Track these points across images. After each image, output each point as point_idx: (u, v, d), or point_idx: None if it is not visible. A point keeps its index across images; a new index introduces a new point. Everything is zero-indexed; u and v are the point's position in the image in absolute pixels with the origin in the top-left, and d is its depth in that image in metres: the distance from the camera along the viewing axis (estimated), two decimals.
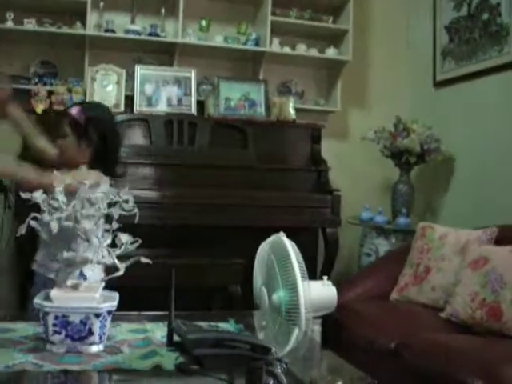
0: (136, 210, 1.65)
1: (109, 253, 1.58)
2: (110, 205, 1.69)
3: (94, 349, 1.67)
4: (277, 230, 2.65)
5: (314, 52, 4.81)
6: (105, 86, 4.20)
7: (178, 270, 1.93)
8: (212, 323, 2.01)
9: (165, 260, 2.82)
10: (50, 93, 4.09)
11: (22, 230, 1.65)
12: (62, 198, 1.61)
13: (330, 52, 4.82)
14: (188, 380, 1.56)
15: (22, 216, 3.46)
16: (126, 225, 1.70)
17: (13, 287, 4.19)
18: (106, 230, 1.63)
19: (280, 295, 2.46)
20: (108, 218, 1.70)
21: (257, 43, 4.63)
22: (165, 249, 3.22)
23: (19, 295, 3.81)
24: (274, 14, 4.59)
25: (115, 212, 1.60)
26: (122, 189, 1.65)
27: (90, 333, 1.64)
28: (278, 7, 4.65)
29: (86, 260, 1.59)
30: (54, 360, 1.60)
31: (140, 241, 1.61)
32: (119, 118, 4.00)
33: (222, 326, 2.02)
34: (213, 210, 3.76)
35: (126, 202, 1.63)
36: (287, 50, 4.72)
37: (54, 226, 1.57)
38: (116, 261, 1.58)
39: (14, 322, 1.98)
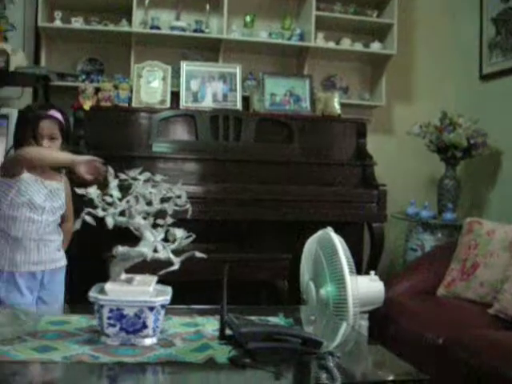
0: (188, 206, 1.67)
1: (163, 247, 1.61)
2: (163, 200, 1.71)
3: (148, 342, 1.70)
4: (322, 225, 2.66)
5: (358, 46, 4.79)
6: (151, 83, 4.23)
7: (220, 265, 1.95)
8: (262, 317, 2.01)
9: (210, 255, 2.84)
10: (97, 90, 4.15)
11: (77, 224, 1.68)
12: (116, 193, 1.63)
13: (375, 46, 4.80)
14: (241, 373, 1.58)
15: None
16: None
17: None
18: (160, 225, 1.65)
19: (328, 290, 2.47)
20: (160, 213, 1.73)
21: (301, 38, 4.62)
22: (210, 244, 3.24)
23: (67, 288, 3.87)
24: (318, 8, 4.58)
25: (169, 207, 1.62)
26: (176, 184, 1.67)
27: (144, 326, 1.67)
28: (323, 2, 4.65)
29: (141, 254, 1.61)
30: (110, 352, 1.63)
31: (194, 236, 1.63)
32: (166, 113, 4.05)
33: (272, 320, 2.03)
34: (258, 205, 3.77)
35: (179, 197, 1.65)
36: (332, 44, 4.71)
37: (110, 222, 1.60)
38: (171, 255, 1.60)
39: (68, 315, 2.02)
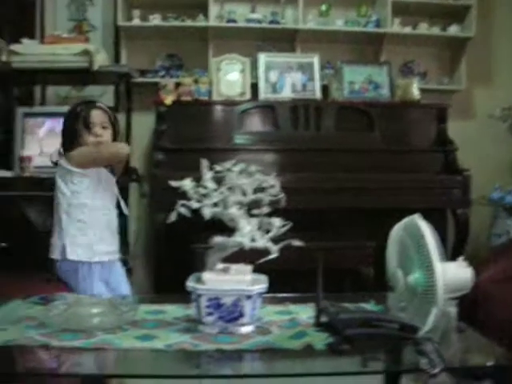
0: (282, 195, 1.69)
1: (261, 236, 1.63)
2: (256, 190, 1.73)
3: (245, 329, 1.73)
4: (405, 213, 2.64)
5: (436, 30, 4.70)
6: (230, 75, 4.27)
7: (309, 253, 1.96)
8: (356, 304, 2.02)
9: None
10: (177, 84, 4.21)
11: (173, 217, 1.72)
12: (211, 185, 1.67)
13: (453, 29, 4.70)
14: (339, 359, 1.59)
15: (157, 203, 3.64)
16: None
17: (148, 271, 4.37)
18: (255, 215, 1.67)
19: (415, 276, 2.45)
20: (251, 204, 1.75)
21: (377, 25, 4.58)
22: (294, 232, 3.26)
23: (156, 279, 3.96)
24: None
25: (265, 197, 1.65)
26: (269, 174, 1.69)
27: (241, 314, 1.70)
28: None
29: (239, 244, 1.64)
30: (209, 340, 1.66)
31: (291, 224, 1.65)
32: (246, 105, 4.08)
33: (365, 307, 2.03)
34: (340, 193, 3.76)
35: (273, 187, 1.67)
36: (408, 29, 4.64)
37: (207, 213, 1.64)
38: (269, 244, 1.63)
39: (163, 305, 2.07)
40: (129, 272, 3.87)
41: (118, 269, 2.97)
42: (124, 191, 3.94)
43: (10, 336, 1.71)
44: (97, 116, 2.81)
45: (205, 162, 1.72)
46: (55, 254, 2.75)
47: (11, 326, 1.81)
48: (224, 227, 1.88)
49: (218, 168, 1.70)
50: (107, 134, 2.84)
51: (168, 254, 3.79)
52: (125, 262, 3.77)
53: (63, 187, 2.74)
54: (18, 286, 2.78)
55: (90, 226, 2.75)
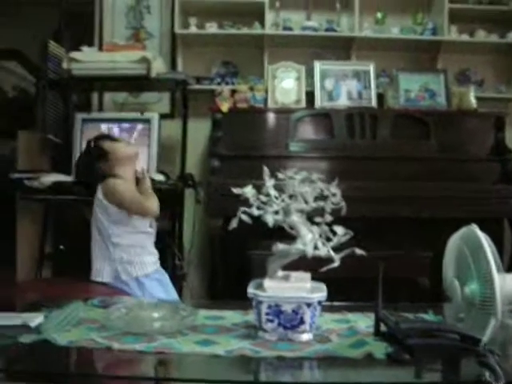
0: (343, 204, 1.69)
1: (323, 244, 1.64)
2: (316, 198, 1.74)
3: (305, 337, 1.73)
4: (462, 222, 2.61)
5: (493, 37, 4.64)
6: (285, 83, 4.29)
7: (364, 262, 1.95)
8: (416, 314, 2.00)
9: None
10: (233, 92, 4.24)
11: (234, 223, 1.73)
12: (273, 192, 1.68)
13: (511, 36, 4.64)
14: (399, 369, 1.58)
15: (213, 209, 3.67)
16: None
17: (203, 277, 4.41)
18: (317, 223, 1.68)
19: (473, 287, 2.42)
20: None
21: (434, 32, 4.54)
22: (350, 240, 3.24)
23: (211, 284, 3.99)
24: (451, 1, 4.49)
25: (327, 205, 1.65)
26: (332, 183, 1.69)
27: (302, 322, 1.70)
28: None
29: (301, 252, 1.65)
30: (269, 346, 1.67)
31: (352, 233, 1.65)
32: (302, 113, 4.09)
33: (424, 317, 2.02)
34: (396, 202, 3.74)
35: (334, 195, 1.68)
36: (465, 37, 4.59)
37: (270, 220, 1.65)
38: (332, 252, 1.63)
39: (221, 311, 2.09)
40: (183, 278, 3.91)
41: (165, 279, 3.04)
42: (179, 197, 4.00)
43: (72, 337, 1.74)
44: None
45: (266, 170, 1.73)
46: (104, 278, 2.86)
47: (73, 328, 1.85)
48: (279, 234, 1.90)
49: (280, 176, 1.71)
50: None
51: (223, 259, 3.81)
52: (179, 268, 3.82)
53: (102, 218, 2.92)
54: (77, 288, 2.84)
55: (133, 247, 2.90)
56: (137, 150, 3.10)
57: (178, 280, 3.88)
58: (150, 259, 2.97)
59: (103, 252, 2.92)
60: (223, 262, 3.81)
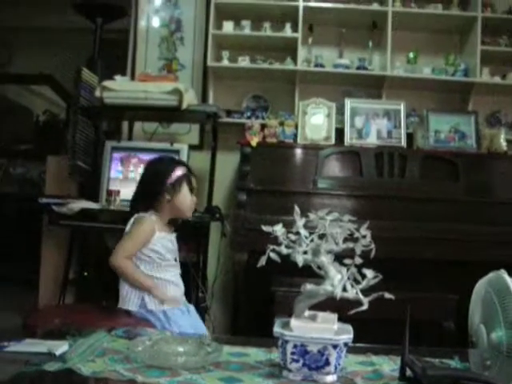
0: (372, 246, 1.68)
1: (352, 286, 1.62)
2: (346, 239, 1.73)
3: (330, 379, 1.71)
4: (490, 266, 2.58)
5: None
6: (315, 119, 4.30)
7: (390, 304, 1.93)
8: (442, 360, 1.98)
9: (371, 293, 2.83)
10: (263, 126, 4.26)
11: (263, 261, 1.72)
12: (304, 232, 1.67)
13: None
14: None
15: (238, 244, 3.67)
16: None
17: (225, 311, 4.39)
18: (346, 265, 1.67)
19: (500, 334, 2.39)
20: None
21: (465, 74, 4.54)
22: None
23: (233, 319, 3.98)
24: (483, 43, 4.49)
25: (357, 247, 1.64)
26: (363, 224, 1.69)
27: (327, 363, 1.69)
28: (488, 36, 4.55)
29: (330, 293, 1.64)
30: None
31: (381, 276, 1.64)
32: (331, 150, 4.10)
33: (449, 363, 1.99)
34: (422, 242, 3.71)
35: (364, 237, 1.67)
36: (497, 79, 4.58)
37: (300, 260, 1.64)
38: (360, 295, 1.62)
39: (245, 347, 2.08)
40: (205, 310, 3.90)
41: (193, 312, 3.04)
42: (205, 229, 4.01)
43: (97, 368, 1.74)
44: (194, 181, 3.00)
45: (297, 209, 1.72)
46: (130, 306, 2.86)
47: (97, 358, 1.84)
48: (304, 272, 1.89)
49: (310, 216, 1.71)
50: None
51: (246, 294, 3.80)
52: (202, 300, 3.81)
53: None
54: (100, 315, 2.85)
55: (164, 279, 2.91)
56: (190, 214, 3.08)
57: (200, 312, 3.87)
58: (177, 291, 2.97)
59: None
60: (246, 296, 3.80)
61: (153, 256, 2.88)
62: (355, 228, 1.69)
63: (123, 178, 4.15)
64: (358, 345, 2.02)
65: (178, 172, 2.93)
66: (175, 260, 3.00)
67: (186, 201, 2.94)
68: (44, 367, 1.72)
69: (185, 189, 2.92)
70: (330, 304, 1.80)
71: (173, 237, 3.00)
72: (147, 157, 4.05)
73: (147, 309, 2.85)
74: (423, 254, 3.70)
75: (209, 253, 4.15)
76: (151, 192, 2.93)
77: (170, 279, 2.92)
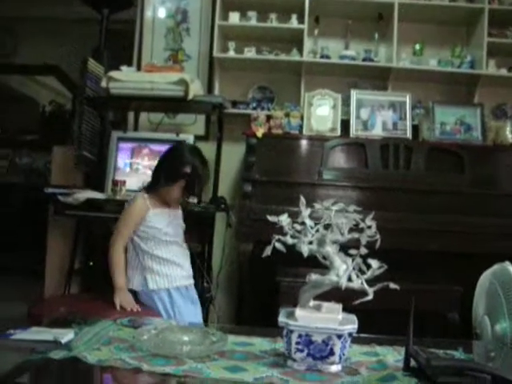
0: (378, 236, 1.69)
1: (357, 276, 1.63)
2: (351, 230, 1.73)
3: (334, 368, 1.72)
4: (495, 258, 2.58)
5: None
6: (321, 111, 4.30)
7: (394, 295, 1.94)
8: (447, 351, 1.98)
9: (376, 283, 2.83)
10: (269, 117, 4.26)
11: (268, 251, 1.73)
12: (309, 222, 1.68)
13: None
14: None
15: (243, 234, 3.68)
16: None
17: (230, 300, 4.41)
18: (351, 255, 1.68)
19: (504, 326, 2.40)
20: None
21: (472, 66, 4.52)
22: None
23: (238, 308, 3.99)
24: (490, 35, 4.47)
25: (363, 238, 1.65)
26: (368, 215, 1.69)
27: (331, 353, 1.70)
28: (494, 28, 4.52)
29: (335, 283, 1.64)
30: (297, 376, 1.67)
31: (386, 266, 1.65)
32: (336, 141, 4.10)
33: (453, 354, 1.99)
34: (427, 234, 3.71)
35: (370, 227, 1.67)
36: (504, 71, 4.56)
37: (305, 250, 1.65)
38: (365, 285, 1.62)
39: (249, 337, 2.09)
40: (210, 300, 3.92)
41: (194, 296, 3.06)
42: (211, 220, 4.02)
43: (102, 356, 1.76)
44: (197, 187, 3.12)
45: (303, 200, 1.73)
46: (134, 286, 2.90)
47: (103, 346, 1.86)
48: (308, 262, 1.89)
49: (316, 206, 1.72)
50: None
51: (250, 284, 3.81)
52: (207, 290, 3.82)
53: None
54: (104, 306, 2.86)
55: (165, 258, 2.96)
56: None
57: (205, 302, 3.88)
58: (181, 273, 3.00)
59: (133, 260, 2.96)
60: (251, 286, 3.81)
61: (150, 232, 2.95)
62: (360, 218, 1.70)
63: (131, 168, 4.15)
64: (362, 335, 2.04)
65: (184, 170, 2.99)
66: (182, 236, 3.09)
67: (170, 196, 3.01)
68: (50, 355, 1.74)
69: (177, 187, 2.98)
70: (335, 294, 1.81)
71: (174, 212, 3.09)
72: (156, 147, 4.07)
73: (149, 288, 2.88)
74: (428, 245, 3.71)
75: (214, 243, 4.15)
76: (154, 175, 3.07)
77: (172, 259, 2.99)
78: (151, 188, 3.05)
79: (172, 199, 3.03)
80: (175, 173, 2.98)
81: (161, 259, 2.94)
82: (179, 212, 3.16)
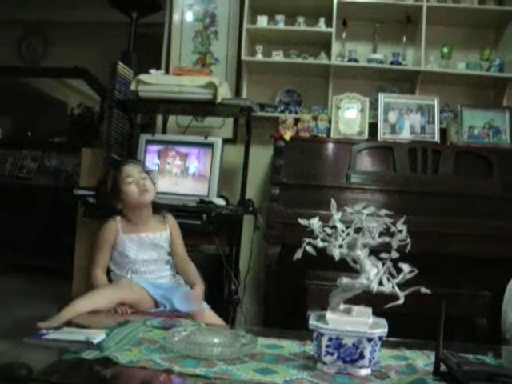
0: (408, 240, 1.69)
1: (388, 280, 1.64)
2: (381, 233, 1.74)
3: (363, 372, 1.73)
4: None
5: None
6: (348, 114, 4.30)
7: (422, 300, 1.94)
8: (477, 356, 1.98)
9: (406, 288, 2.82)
10: (297, 120, 4.27)
11: (299, 254, 1.75)
12: (340, 225, 1.69)
13: None
14: None
15: (271, 237, 3.69)
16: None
17: (257, 303, 4.42)
18: (381, 259, 1.68)
19: None
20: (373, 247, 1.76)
21: (500, 69, 4.48)
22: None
23: (265, 311, 4.00)
24: None
25: (394, 242, 1.65)
26: (399, 219, 1.70)
27: (361, 356, 1.71)
28: None
29: (366, 287, 1.65)
30: (327, 379, 1.68)
31: (417, 270, 1.65)
32: (364, 145, 4.09)
33: (483, 359, 1.99)
34: (456, 239, 3.69)
35: (400, 231, 1.68)
36: None
37: (337, 253, 1.66)
38: (397, 289, 1.63)
39: (279, 340, 2.10)
40: (237, 303, 3.93)
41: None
42: (238, 222, 4.03)
43: (133, 357, 1.78)
44: (132, 170, 2.94)
45: (334, 203, 1.74)
46: None
47: (133, 347, 1.88)
48: (335, 266, 1.90)
49: (347, 209, 1.73)
50: (150, 184, 2.96)
51: (278, 287, 3.82)
52: (234, 293, 3.85)
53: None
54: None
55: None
56: (151, 197, 2.97)
57: (232, 305, 3.91)
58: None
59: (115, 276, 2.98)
60: (278, 289, 3.82)
61: (119, 259, 2.91)
62: (391, 222, 1.70)
63: (159, 170, 4.17)
64: (390, 339, 2.04)
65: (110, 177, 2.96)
66: (165, 258, 3.00)
67: (128, 193, 2.90)
68: (82, 355, 1.76)
69: (126, 187, 2.90)
70: (364, 298, 1.82)
71: (153, 235, 2.96)
72: (184, 150, 4.09)
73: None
74: (456, 249, 3.69)
75: (241, 246, 4.17)
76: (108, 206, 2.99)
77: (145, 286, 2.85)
78: (120, 211, 2.97)
79: (133, 194, 2.88)
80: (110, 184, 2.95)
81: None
82: (162, 234, 3.00)
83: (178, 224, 3.08)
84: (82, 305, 2.52)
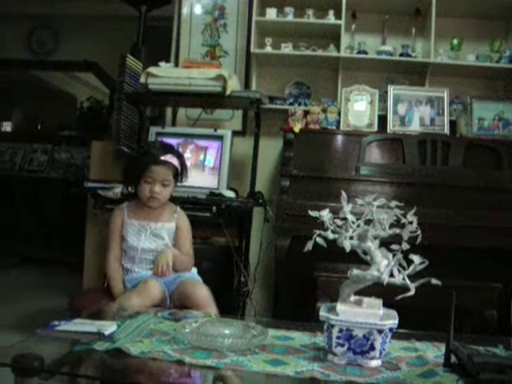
0: (419, 232, 1.69)
1: (399, 272, 1.64)
2: (391, 225, 1.75)
3: (374, 363, 1.74)
4: None
5: None
6: (358, 106, 4.29)
7: (432, 291, 1.94)
8: (487, 348, 1.98)
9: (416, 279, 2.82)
10: (306, 112, 4.27)
11: (309, 246, 1.75)
12: (351, 217, 1.69)
13: None
14: None
15: (281, 229, 3.70)
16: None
17: (267, 295, 4.44)
18: (392, 250, 1.69)
19: None
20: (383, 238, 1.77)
21: (511, 60, 4.47)
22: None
23: (275, 303, 4.01)
24: None
25: (404, 233, 1.66)
26: (409, 210, 1.70)
27: (372, 348, 1.71)
28: None
29: (376, 278, 1.66)
30: (338, 370, 1.69)
31: (427, 262, 1.65)
32: (374, 137, 4.09)
33: (494, 351, 1.99)
34: (465, 231, 3.69)
35: (411, 223, 1.68)
36: None
37: (347, 245, 1.67)
38: (407, 281, 1.63)
39: (289, 331, 2.11)
40: (247, 294, 3.95)
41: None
42: (248, 214, 4.04)
43: (145, 348, 1.79)
44: (159, 174, 2.91)
45: (344, 195, 1.75)
46: None
47: (145, 339, 1.89)
48: (345, 258, 1.91)
49: (358, 201, 1.73)
50: (167, 192, 2.95)
51: (288, 278, 3.83)
52: (244, 284, 3.86)
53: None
54: None
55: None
56: (158, 206, 2.97)
57: (242, 296, 3.92)
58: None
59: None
60: (288, 281, 3.84)
61: (124, 245, 2.95)
62: (401, 214, 1.71)
63: None
64: (400, 330, 2.05)
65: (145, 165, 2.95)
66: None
67: (141, 190, 2.92)
68: (94, 346, 1.78)
69: (142, 183, 2.91)
70: (373, 290, 1.82)
71: (154, 224, 2.96)
72: (195, 142, 4.10)
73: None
74: (466, 241, 3.69)
75: (251, 238, 4.18)
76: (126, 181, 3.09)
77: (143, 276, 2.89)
78: (131, 195, 3.04)
79: (144, 197, 2.92)
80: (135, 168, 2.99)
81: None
82: (165, 225, 2.98)
83: (189, 221, 3.07)
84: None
